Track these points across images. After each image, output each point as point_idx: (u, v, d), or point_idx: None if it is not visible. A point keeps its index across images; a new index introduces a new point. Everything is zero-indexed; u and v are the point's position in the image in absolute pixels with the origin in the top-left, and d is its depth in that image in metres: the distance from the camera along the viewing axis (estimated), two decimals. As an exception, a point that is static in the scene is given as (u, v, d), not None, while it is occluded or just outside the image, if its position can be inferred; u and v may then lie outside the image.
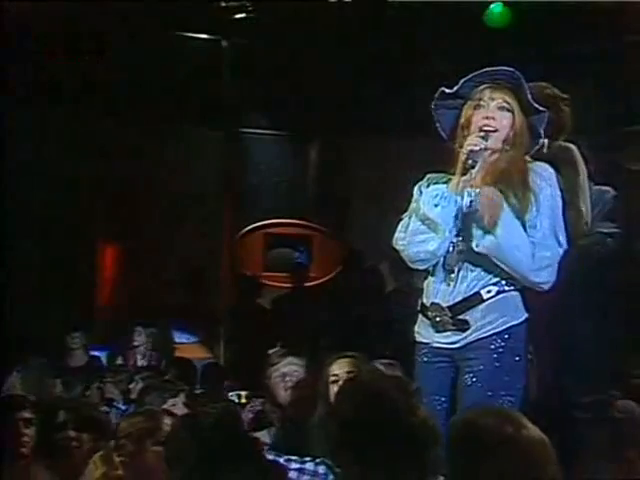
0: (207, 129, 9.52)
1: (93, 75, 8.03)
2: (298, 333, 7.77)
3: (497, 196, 3.54)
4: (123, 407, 6.22)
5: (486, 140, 3.55)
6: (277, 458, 3.75)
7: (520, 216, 3.56)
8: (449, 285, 3.62)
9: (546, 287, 3.62)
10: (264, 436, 4.86)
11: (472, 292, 3.60)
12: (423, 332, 3.72)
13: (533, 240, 3.57)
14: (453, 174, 3.65)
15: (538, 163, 3.67)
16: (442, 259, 3.64)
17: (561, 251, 3.60)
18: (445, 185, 3.63)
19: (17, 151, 6.89)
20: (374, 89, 8.43)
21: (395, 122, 8.55)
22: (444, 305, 3.62)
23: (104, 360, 7.76)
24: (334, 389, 4.30)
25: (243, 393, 6.57)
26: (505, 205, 3.54)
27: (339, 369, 4.41)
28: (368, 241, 8.88)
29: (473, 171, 3.54)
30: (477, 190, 3.58)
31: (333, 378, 4.38)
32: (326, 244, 9.76)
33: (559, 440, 3.40)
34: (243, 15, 8.28)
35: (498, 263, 3.57)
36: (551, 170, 3.66)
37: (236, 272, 9.57)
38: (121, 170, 8.92)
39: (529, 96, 3.59)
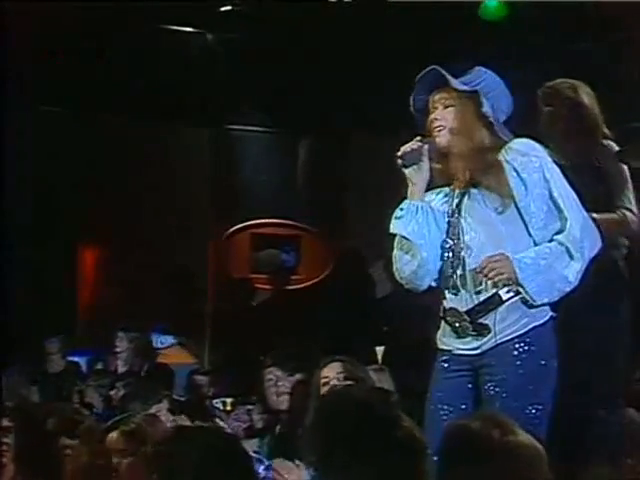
0: (192, 126, 9.48)
1: (79, 73, 8.13)
2: (285, 338, 7.81)
3: (500, 258, 3.57)
4: (104, 414, 6.14)
5: (424, 140, 3.72)
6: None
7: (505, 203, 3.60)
8: (458, 291, 3.65)
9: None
10: (252, 445, 4.93)
11: (490, 293, 3.59)
12: (444, 339, 3.73)
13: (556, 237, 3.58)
14: (442, 186, 3.79)
15: (516, 140, 3.72)
16: (440, 265, 3.68)
17: (577, 232, 3.58)
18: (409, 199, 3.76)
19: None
20: (368, 87, 8.43)
21: (389, 121, 8.52)
22: (461, 310, 3.63)
23: (83, 366, 7.74)
24: (325, 391, 4.40)
25: (228, 400, 6.59)
26: (512, 261, 3.55)
27: (330, 372, 4.49)
28: (359, 242, 8.90)
29: (412, 172, 3.70)
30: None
31: (324, 380, 4.46)
32: (315, 245, 9.72)
33: (562, 445, 3.45)
34: (229, 7, 8.27)
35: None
36: (533, 144, 3.71)
37: (222, 274, 9.56)
38: (102, 169, 8.89)
39: (454, 82, 3.73)
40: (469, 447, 2.58)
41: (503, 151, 3.66)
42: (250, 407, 6.00)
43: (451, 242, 3.67)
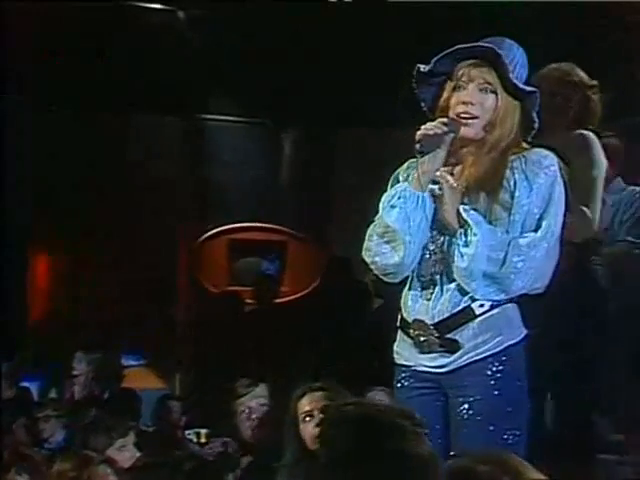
0: (163, 115, 9.51)
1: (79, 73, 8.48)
2: (267, 358, 7.65)
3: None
4: (58, 449, 6.14)
5: (450, 127, 3.46)
6: None
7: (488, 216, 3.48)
8: (429, 299, 3.54)
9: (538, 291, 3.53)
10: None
11: (462, 306, 3.50)
12: (404, 353, 3.61)
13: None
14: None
15: (536, 150, 3.56)
16: (416, 268, 3.58)
17: (545, 245, 3.45)
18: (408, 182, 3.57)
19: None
20: (367, 87, 8.54)
21: (387, 121, 8.57)
22: (429, 322, 3.51)
23: (35, 392, 7.62)
24: (308, 427, 4.30)
25: (202, 431, 6.61)
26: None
27: (311, 404, 4.38)
28: (351, 248, 8.76)
29: (425, 159, 3.47)
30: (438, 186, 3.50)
31: (305, 415, 4.37)
32: (302, 252, 9.73)
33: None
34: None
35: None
36: (552, 157, 3.55)
37: (195, 285, 9.51)
38: (59, 165, 8.91)
39: (511, 76, 3.49)
40: None
41: (519, 159, 3.52)
42: (227, 439, 5.96)
43: (434, 247, 3.57)
